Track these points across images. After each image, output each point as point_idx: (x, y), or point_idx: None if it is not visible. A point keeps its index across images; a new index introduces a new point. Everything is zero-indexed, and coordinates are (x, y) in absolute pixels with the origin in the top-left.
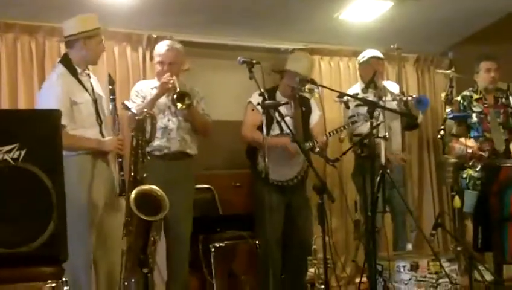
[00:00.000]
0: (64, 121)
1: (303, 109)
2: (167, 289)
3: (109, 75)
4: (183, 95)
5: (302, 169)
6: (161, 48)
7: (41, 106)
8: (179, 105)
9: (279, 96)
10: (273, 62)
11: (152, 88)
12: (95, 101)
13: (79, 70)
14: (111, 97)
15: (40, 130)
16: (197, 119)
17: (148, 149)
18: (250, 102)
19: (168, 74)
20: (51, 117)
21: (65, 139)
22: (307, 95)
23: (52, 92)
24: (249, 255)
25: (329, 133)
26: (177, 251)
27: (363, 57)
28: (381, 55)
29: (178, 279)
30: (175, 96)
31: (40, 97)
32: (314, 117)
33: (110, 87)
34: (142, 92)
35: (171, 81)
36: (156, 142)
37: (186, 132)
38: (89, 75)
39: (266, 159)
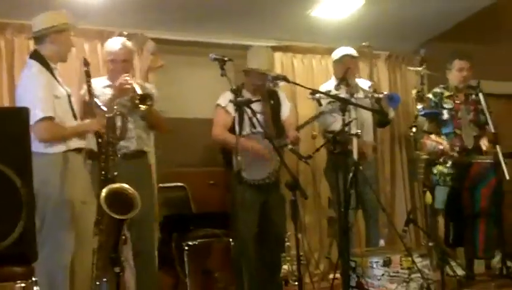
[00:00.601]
0: (50, 112)
1: (272, 102)
2: (137, 287)
3: (84, 58)
4: (145, 96)
5: (277, 166)
6: (113, 45)
7: (25, 97)
8: (143, 107)
9: (246, 94)
10: (244, 61)
11: (104, 87)
12: (68, 96)
13: (52, 65)
14: (87, 79)
15: (8, 128)
16: (153, 117)
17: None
18: (218, 104)
19: (126, 74)
20: (20, 115)
21: (53, 130)
22: (273, 88)
23: (37, 83)
24: (222, 253)
25: (300, 126)
26: (143, 248)
27: (336, 55)
28: (355, 53)
29: (147, 276)
30: (138, 99)
31: (22, 90)
32: (285, 109)
33: (85, 69)
34: (94, 91)
35: (129, 81)
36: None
37: (142, 130)
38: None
39: (239, 158)
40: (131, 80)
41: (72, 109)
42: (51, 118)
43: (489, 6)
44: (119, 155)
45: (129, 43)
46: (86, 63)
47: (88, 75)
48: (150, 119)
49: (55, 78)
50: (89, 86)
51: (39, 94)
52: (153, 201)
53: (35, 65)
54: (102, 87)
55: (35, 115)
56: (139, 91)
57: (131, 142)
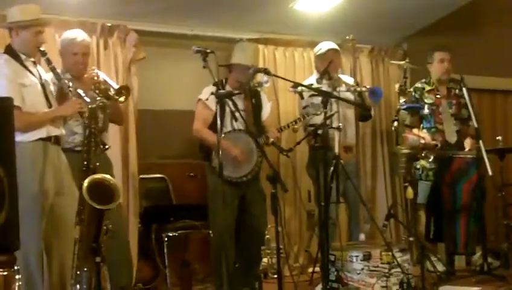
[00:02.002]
0: (17, 102)
1: (253, 101)
2: (110, 278)
3: (39, 50)
4: (121, 88)
5: (256, 166)
6: (74, 37)
7: None
8: (121, 99)
9: (228, 89)
10: (226, 54)
11: (63, 80)
12: (42, 86)
13: (23, 57)
14: (50, 66)
15: None
16: (118, 110)
17: (67, 146)
18: (200, 99)
19: (94, 67)
20: (2, 105)
21: (23, 118)
22: (256, 88)
23: (2, 72)
24: (202, 244)
25: (281, 128)
26: (111, 242)
27: (320, 49)
28: (338, 48)
29: (118, 268)
30: (113, 91)
31: None
32: (266, 110)
33: (46, 57)
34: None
35: (98, 75)
36: (78, 138)
37: None
38: (34, 63)
39: (220, 156)
40: (97, 72)
41: (47, 98)
42: (17, 108)
43: (472, 1)
44: (68, 150)
45: (88, 37)
46: (44, 54)
47: (50, 62)
48: (112, 113)
49: (27, 68)
50: (55, 72)
51: (3, 84)
52: None
53: (2, 57)
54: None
55: None
56: (114, 85)
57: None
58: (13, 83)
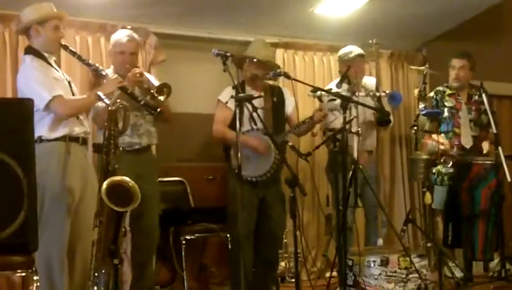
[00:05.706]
0: (57, 91)
1: (274, 99)
2: (132, 280)
3: (60, 44)
4: (162, 87)
5: (274, 164)
6: (121, 37)
7: (27, 87)
8: (161, 97)
9: (248, 90)
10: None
11: (95, 64)
12: (69, 83)
13: (46, 55)
14: (75, 56)
15: (10, 119)
16: (165, 110)
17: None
18: (219, 100)
19: (139, 67)
20: (22, 106)
21: (68, 103)
22: (271, 82)
23: (34, 71)
24: (219, 247)
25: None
26: (144, 243)
27: (346, 54)
28: (363, 53)
29: (143, 270)
30: (155, 90)
31: (22, 83)
32: (290, 104)
33: (69, 50)
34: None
35: (142, 74)
36: (127, 139)
37: (151, 124)
38: (57, 64)
39: (239, 156)
40: (142, 71)
41: (74, 95)
42: (59, 96)
43: (493, 6)
44: (121, 148)
45: (137, 36)
46: (65, 47)
47: (74, 53)
48: (164, 112)
49: (51, 65)
50: (81, 60)
51: (40, 79)
52: (158, 197)
53: (28, 57)
54: None
55: (44, 99)
56: (155, 83)
57: (142, 138)
58: (46, 76)
